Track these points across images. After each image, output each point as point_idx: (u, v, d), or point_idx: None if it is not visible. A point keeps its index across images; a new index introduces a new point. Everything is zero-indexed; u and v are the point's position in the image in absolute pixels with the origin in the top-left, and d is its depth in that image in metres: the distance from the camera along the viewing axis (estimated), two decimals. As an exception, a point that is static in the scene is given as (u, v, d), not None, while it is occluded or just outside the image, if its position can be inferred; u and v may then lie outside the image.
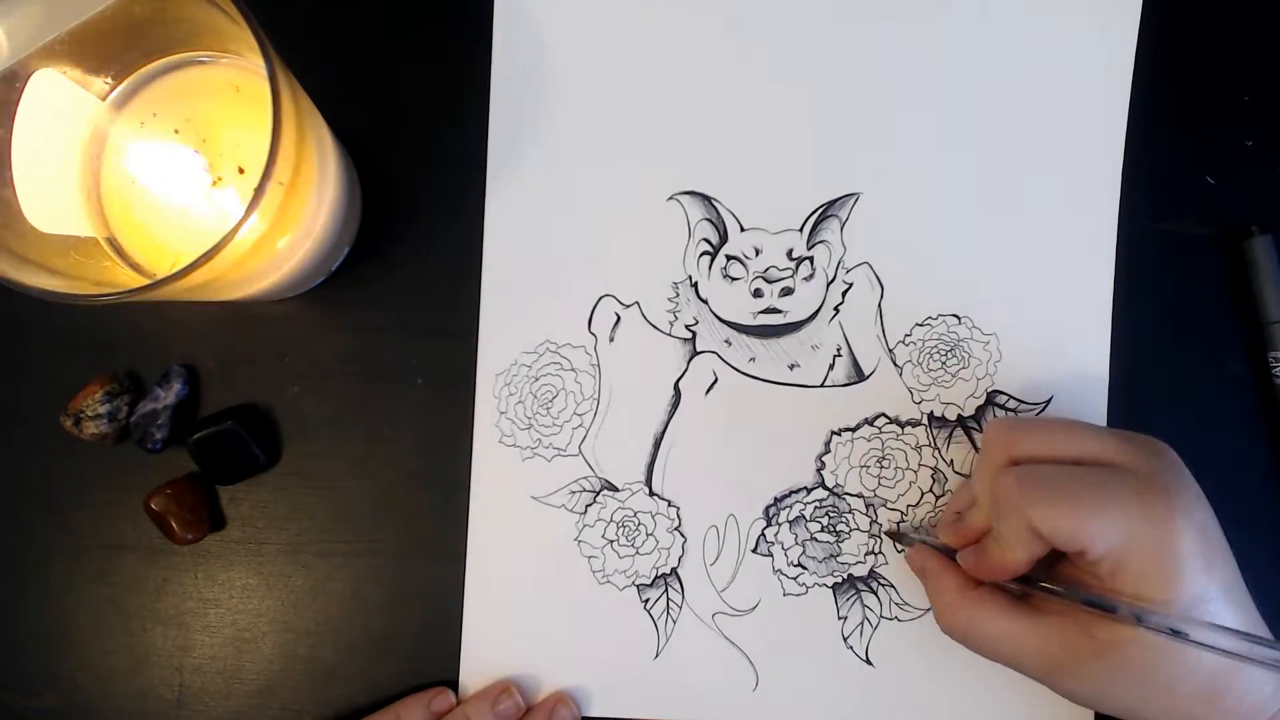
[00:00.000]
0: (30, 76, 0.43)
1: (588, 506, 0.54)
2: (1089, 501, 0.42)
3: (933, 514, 0.53)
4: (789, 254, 0.53)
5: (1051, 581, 0.45)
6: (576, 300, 0.54)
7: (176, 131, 0.46)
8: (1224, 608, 0.41)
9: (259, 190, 0.38)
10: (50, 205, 0.44)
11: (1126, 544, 0.41)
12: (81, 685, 0.54)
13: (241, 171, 0.45)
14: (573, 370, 0.54)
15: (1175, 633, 0.40)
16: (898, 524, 0.53)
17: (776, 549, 0.53)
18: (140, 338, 0.54)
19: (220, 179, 0.45)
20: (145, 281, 0.38)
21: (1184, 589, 0.41)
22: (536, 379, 0.54)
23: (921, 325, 0.53)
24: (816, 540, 0.53)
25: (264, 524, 0.54)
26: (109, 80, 0.46)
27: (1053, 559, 0.45)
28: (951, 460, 0.53)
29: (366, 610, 0.54)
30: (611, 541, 0.54)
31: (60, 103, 0.44)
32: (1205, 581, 0.41)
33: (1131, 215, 0.53)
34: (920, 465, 0.53)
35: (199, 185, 0.45)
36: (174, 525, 0.52)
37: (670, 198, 0.54)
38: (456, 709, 0.53)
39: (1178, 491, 0.42)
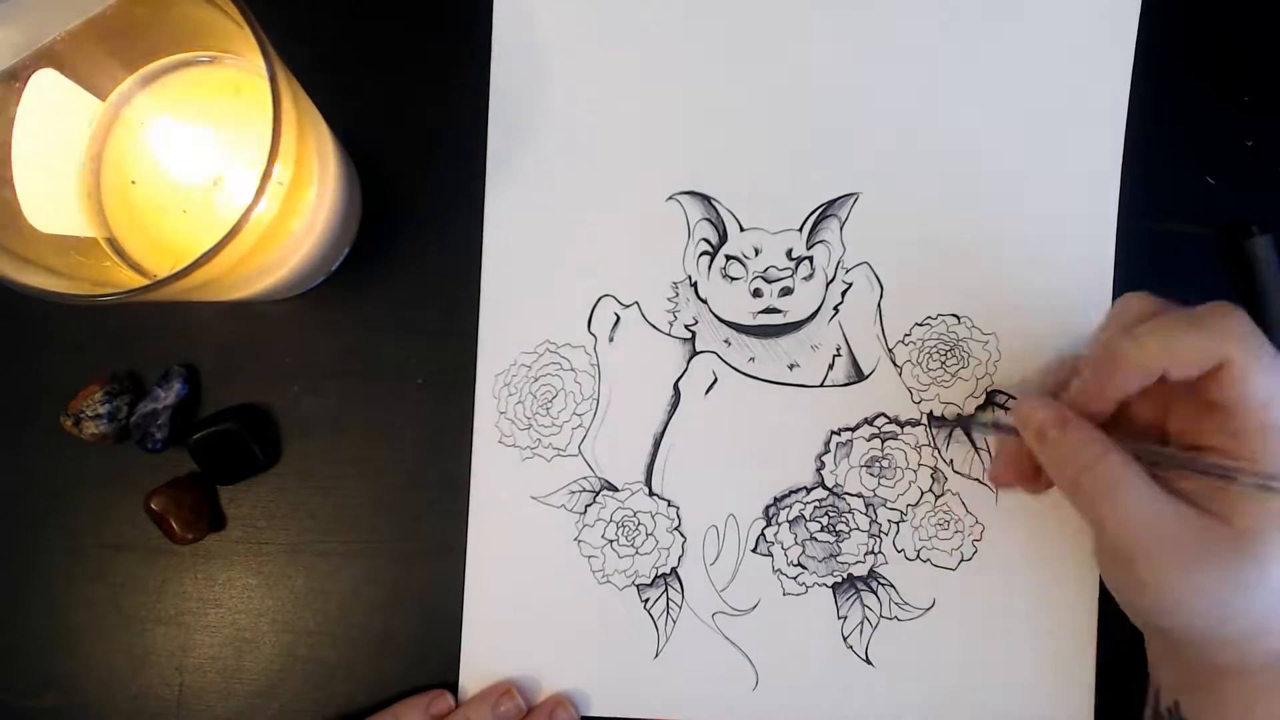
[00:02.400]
0: (30, 76, 0.43)
1: (587, 506, 0.54)
2: (1185, 320, 0.42)
3: (932, 514, 0.53)
4: (788, 254, 0.53)
5: (1183, 457, 0.43)
6: (576, 300, 0.54)
7: (176, 131, 0.46)
8: None
9: (259, 190, 0.38)
10: (50, 205, 0.44)
11: (1229, 353, 0.40)
12: (82, 685, 0.54)
13: (242, 171, 0.45)
14: (572, 370, 0.54)
15: None
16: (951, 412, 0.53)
17: (776, 549, 0.53)
18: (140, 338, 0.54)
19: (220, 179, 0.45)
20: (145, 281, 0.38)
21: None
22: (536, 379, 0.54)
23: (921, 325, 0.53)
24: (816, 540, 0.53)
25: (264, 524, 0.54)
26: (109, 80, 0.46)
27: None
28: (951, 460, 0.53)
29: (366, 610, 0.54)
30: (611, 541, 0.54)
31: (60, 103, 0.44)
32: None
33: (1131, 215, 0.53)
34: (920, 465, 0.53)
35: (200, 172, 0.45)
36: (174, 525, 0.52)
37: (670, 198, 0.54)
38: (457, 711, 0.53)
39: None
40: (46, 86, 0.43)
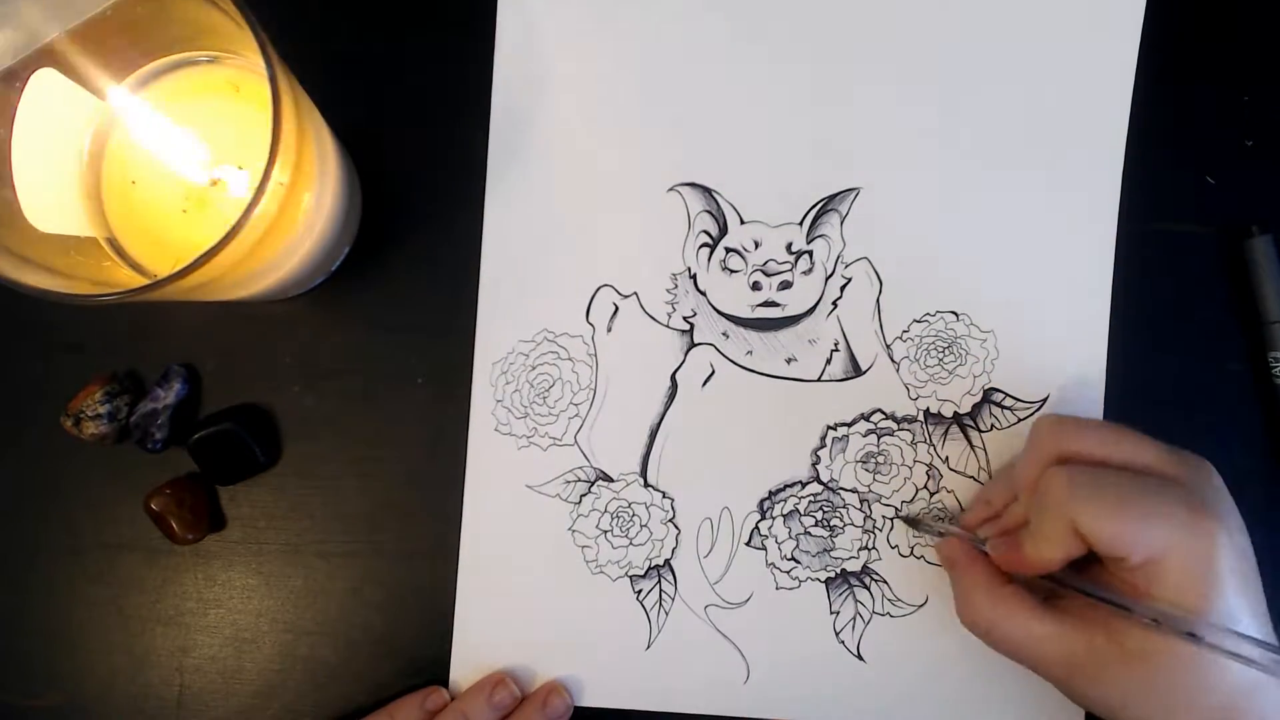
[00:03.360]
0: (30, 76, 0.43)
1: (582, 496, 0.54)
2: (1136, 507, 0.42)
3: (927, 508, 0.54)
4: (788, 247, 0.54)
5: (1079, 582, 0.45)
6: (575, 290, 0.54)
7: (176, 132, 0.46)
8: (1250, 629, 0.41)
9: (259, 190, 0.38)
10: (50, 205, 0.44)
11: (1167, 554, 0.41)
12: (82, 685, 0.54)
13: (242, 171, 0.45)
14: (570, 360, 0.54)
15: (1194, 636, 0.40)
16: (919, 511, 0.53)
17: (770, 542, 0.54)
18: (140, 338, 0.54)
19: (220, 179, 0.45)
20: (145, 281, 0.38)
21: (1217, 604, 0.41)
22: (533, 368, 0.54)
23: (919, 321, 0.54)
24: (810, 534, 0.54)
25: (264, 524, 0.54)
26: (109, 80, 0.46)
27: (1082, 561, 0.44)
28: (947, 457, 0.54)
29: (366, 610, 0.54)
30: (605, 532, 0.54)
31: (60, 103, 0.44)
32: (1238, 602, 0.41)
33: (1131, 215, 0.53)
34: (915, 462, 0.54)
35: (200, 172, 0.45)
36: (174, 525, 0.52)
37: (670, 189, 0.54)
38: (452, 705, 0.53)
39: (1223, 511, 0.43)
40: (46, 86, 0.43)
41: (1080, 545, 0.42)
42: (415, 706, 0.53)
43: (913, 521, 0.53)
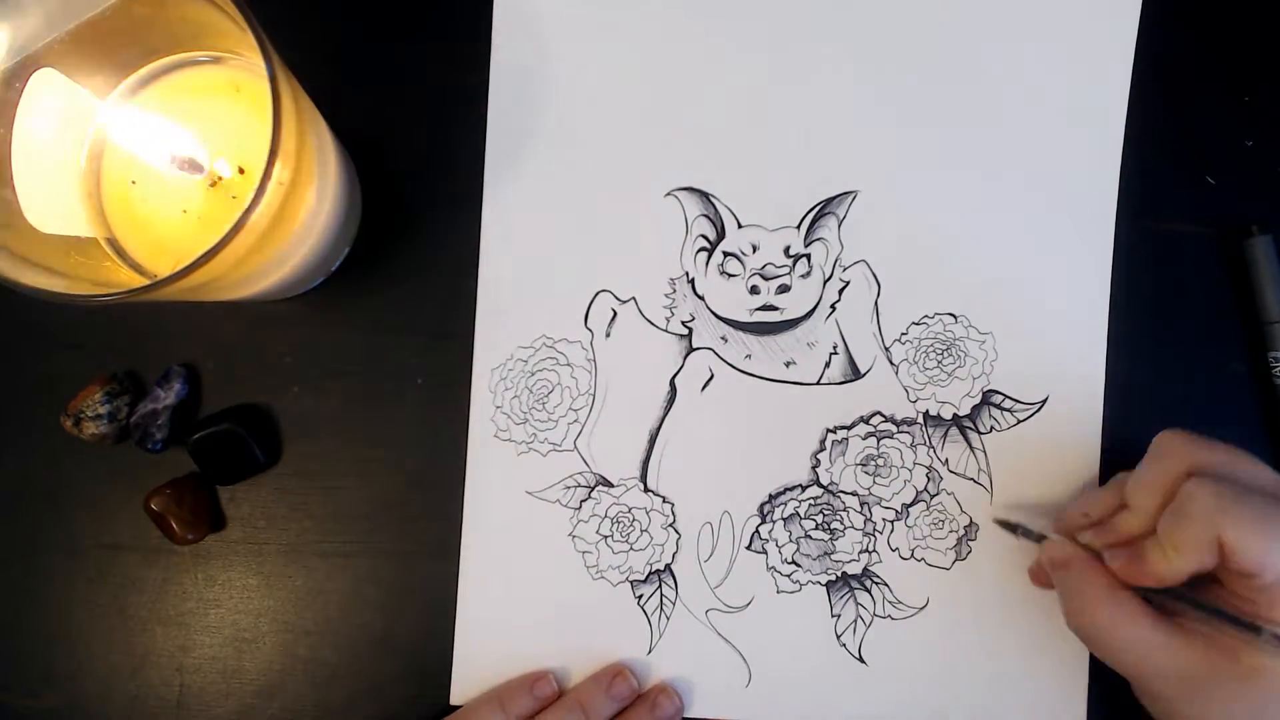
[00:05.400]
0: (30, 76, 0.43)
1: (582, 502, 0.54)
2: (1271, 526, 0.41)
3: (927, 514, 0.54)
4: (786, 251, 0.54)
5: (1206, 600, 0.44)
6: (573, 295, 0.54)
7: (176, 132, 0.46)
8: None
9: (259, 190, 0.38)
10: (50, 205, 0.44)
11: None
12: (81, 685, 0.54)
13: (241, 171, 0.45)
14: (569, 365, 0.54)
15: None
16: (1006, 517, 0.53)
17: (770, 546, 0.54)
18: (140, 338, 0.54)
19: (220, 179, 0.45)
20: (145, 281, 0.38)
21: None
22: (532, 374, 0.54)
23: (918, 324, 0.53)
24: (811, 538, 0.54)
25: (264, 524, 0.54)
26: (109, 80, 0.46)
27: (1196, 580, 0.44)
28: (946, 459, 0.53)
29: (366, 610, 0.54)
30: (606, 537, 0.54)
31: (60, 103, 0.44)
32: None
33: (1131, 215, 0.54)
34: (915, 464, 0.53)
35: (186, 169, 0.45)
36: (174, 525, 0.52)
37: (668, 194, 0.54)
38: (569, 694, 0.53)
39: None
40: (46, 86, 0.44)
41: (1214, 558, 0.42)
42: (525, 693, 0.52)
43: (1009, 525, 0.52)
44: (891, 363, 0.54)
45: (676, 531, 0.54)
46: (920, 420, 0.54)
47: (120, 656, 0.54)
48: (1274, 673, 0.42)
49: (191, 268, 0.38)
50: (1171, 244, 0.54)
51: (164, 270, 0.45)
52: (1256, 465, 0.45)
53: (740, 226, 0.54)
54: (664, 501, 0.54)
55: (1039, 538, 0.50)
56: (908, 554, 0.53)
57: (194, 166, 0.45)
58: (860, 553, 0.54)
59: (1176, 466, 0.45)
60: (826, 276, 0.54)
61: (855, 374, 0.54)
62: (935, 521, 0.53)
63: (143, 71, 0.46)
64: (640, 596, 0.54)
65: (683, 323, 0.54)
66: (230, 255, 0.39)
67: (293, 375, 0.54)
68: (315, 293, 0.54)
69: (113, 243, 0.47)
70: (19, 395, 0.55)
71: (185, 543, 0.53)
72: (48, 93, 0.44)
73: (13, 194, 0.43)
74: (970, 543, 0.53)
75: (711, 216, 0.54)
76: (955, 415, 0.53)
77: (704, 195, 0.54)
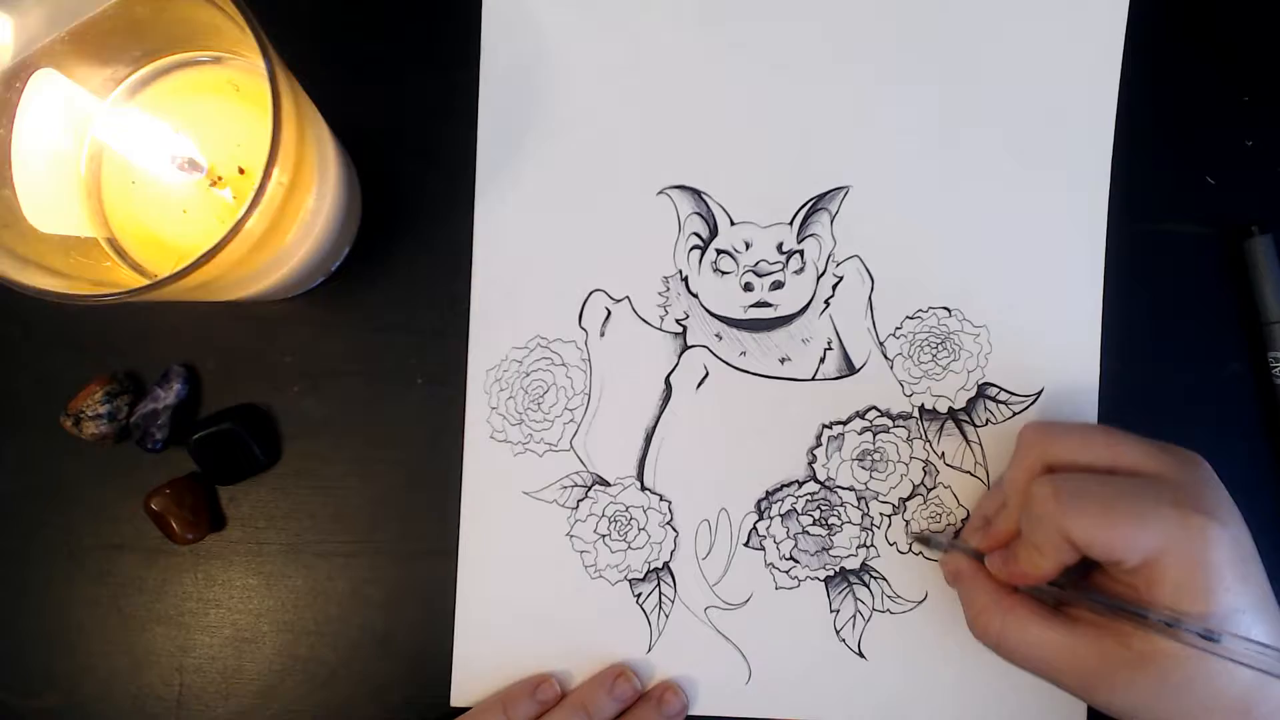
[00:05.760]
0: (30, 76, 0.43)
1: (579, 501, 0.54)
2: (1126, 511, 0.42)
3: (924, 507, 0.54)
4: (779, 247, 0.54)
5: (1084, 590, 0.45)
6: (567, 295, 0.54)
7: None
8: (1256, 621, 0.41)
9: (259, 190, 0.38)
10: (50, 205, 0.44)
11: (1162, 555, 0.41)
12: (81, 685, 0.54)
13: (241, 171, 0.45)
14: (563, 365, 0.54)
15: (1206, 638, 0.40)
16: (926, 529, 0.53)
17: (768, 542, 0.54)
18: (140, 338, 0.54)
19: (220, 179, 0.45)
20: (145, 281, 0.38)
21: (1218, 601, 0.41)
22: (527, 374, 0.54)
23: (912, 318, 0.54)
24: (808, 533, 0.54)
25: (264, 524, 0.54)
26: (109, 80, 0.46)
27: (1087, 567, 0.45)
28: (943, 453, 0.54)
29: (366, 610, 0.54)
30: (603, 536, 0.54)
31: (60, 103, 0.45)
32: (1239, 593, 0.41)
33: (1131, 215, 0.54)
34: (911, 458, 0.54)
35: (186, 170, 0.46)
36: (174, 525, 0.52)
37: (660, 192, 0.54)
38: (572, 696, 0.53)
39: (1214, 504, 0.43)
40: (46, 86, 0.44)
41: (1074, 553, 0.43)
42: (528, 697, 0.52)
43: (923, 539, 0.53)
44: (886, 357, 0.54)
45: (674, 529, 0.54)
46: (916, 414, 0.54)
47: (120, 656, 0.54)
48: (1165, 655, 0.42)
49: (191, 268, 0.38)
50: (1171, 244, 0.54)
51: (164, 270, 0.45)
52: (1123, 442, 0.45)
53: (733, 224, 0.54)
54: (661, 500, 0.54)
55: (949, 547, 0.51)
56: (905, 548, 0.54)
57: (194, 166, 0.45)
58: (858, 547, 0.54)
59: (1033, 461, 0.46)
60: (820, 272, 0.54)
61: (850, 369, 0.54)
62: (933, 515, 0.54)
63: (143, 71, 0.47)
64: (639, 595, 0.54)
65: (677, 321, 0.54)
66: (230, 255, 0.39)
67: (293, 375, 0.54)
68: (315, 293, 0.54)
69: (113, 243, 0.47)
70: (19, 395, 0.55)
71: (185, 543, 0.53)
72: (48, 93, 0.44)
73: (13, 194, 0.43)
74: (967, 537, 0.53)
75: (704, 214, 0.54)
76: (951, 409, 0.54)
77: (696, 193, 0.54)
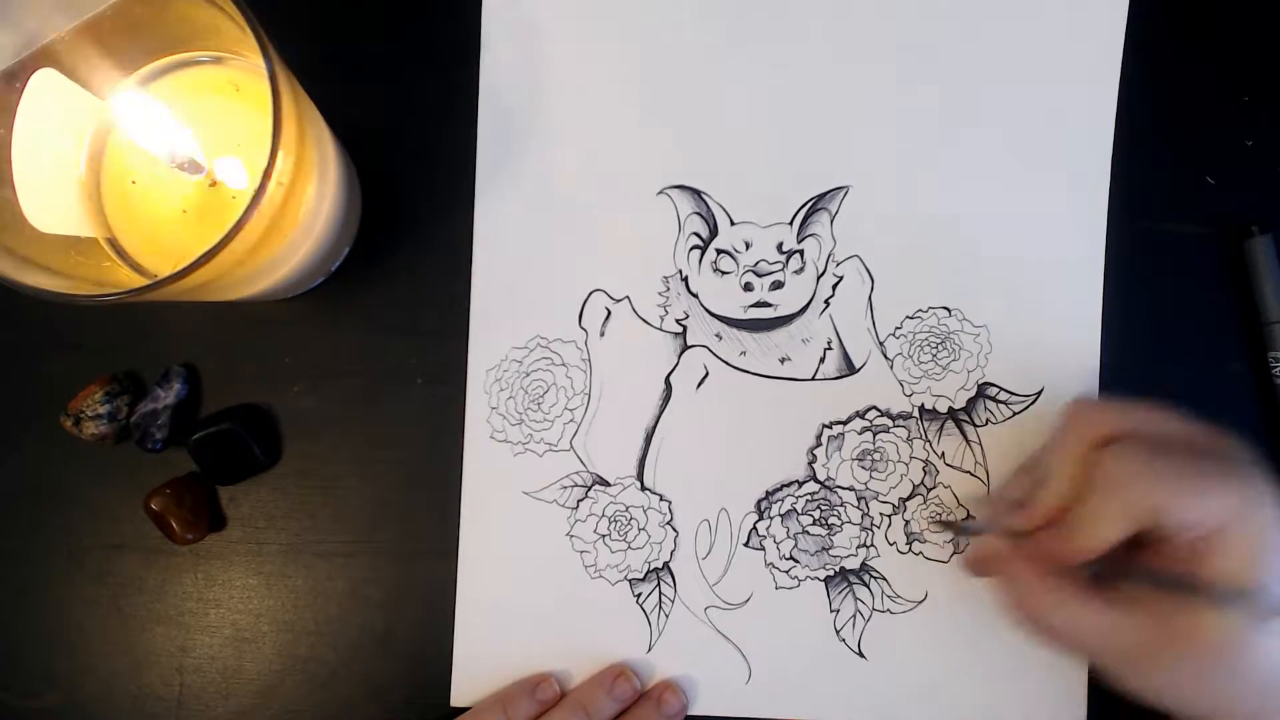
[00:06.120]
0: (30, 76, 0.43)
1: (579, 501, 0.54)
2: (1195, 480, 0.41)
3: (924, 507, 0.54)
4: (779, 247, 0.54)
5: (1141, 570, 0.44)
6: (567, 295, 0.54)
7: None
8: None
9: (259, 190, 0.38)
10: (50, 205, 0.44)
11: (1229, 525, 0.41)
12: (82, 685, 0.54)
13: (242, 171, 0.45)
14: (563, 365, 0.54)
15: (1262, 609, 0.40)
16: (950, 518, 0.53)
17: (768, 542, 0.54)
18: (140, 338, 0.55)
19: (220, 179, 0.46)
20: (145, 281, 0.38)
21: (1271, 572, 0.41)
22: (527, 374, 0.54)
23: (912, 318, 0.54)
24: (808, 533, 0.54)
25: (264, 524, 0.55)
26: (109, 80, 0.46)
27: (1120, 550, 0.44)
28: (943, 452, 0.54)
29: (366, 610, 0.54)
30: (603, 536, 0.54)
31: (60, 103, 0.45)
32: None
33: (1131, 215, 0.54)
34: (911, 458, 0.54)
35: (186, 170, 0.46)
36: (174, 525, 0.52)
37: (660, 192, 0.54)
38: (571, 696, 0.53)
39: (1264, 481, 0.42)
40: (46, 86, 0.44)
41: (1137, 523, 0.42)
42: (527, 697, 0.52)
43: (949, 526, 0.53)
44: (886, 357, 0.54)
45: (674, 529, 0.54)
46: (916, 414, 0.54)
47: (120, 656, 0.54)
48: (1210, 632, 0.42)
49: (191, 268, 0.38)
50: (1171, 244, 0.54)
51: (164, 270, 0.45)
52: (1168, 420, 0.45)
53: (733, 224, 0.54)
54: (661, 500, 0.54)
55: (975, 531, 0.50)
56: (905, 548, 0.54)
57: (194, 166, 0.45)
58: (858, 547, 0.54)
59: (1091, 434, 0.45)
60: (820, 272, 0.54)
61: (850, 369, 0.54)
62: (933, 515, 0.54)
63: (143, 71, 0.47)
64: (639, 595, 0.54)
65: (677, 321, 0.54)
66: (230, 255, 0.39)
67: (293, 375, 0.55)
68: (315, 293, 0.54)
69: (113, 243, 0.47)
70: (19, 395, 0.55)
71: (185, 543, 0.53)
72: (48, 93, 0.44)
73: (13, 194, 0.43)
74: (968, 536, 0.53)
75: (704, 214, 0.54)
76: (950, 408, 0.54)
77: (696, 193, 0.54)
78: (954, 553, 0.54)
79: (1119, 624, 0.44)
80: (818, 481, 0.54)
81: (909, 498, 0.54)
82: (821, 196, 0.54)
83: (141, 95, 0.47)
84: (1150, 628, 0.43)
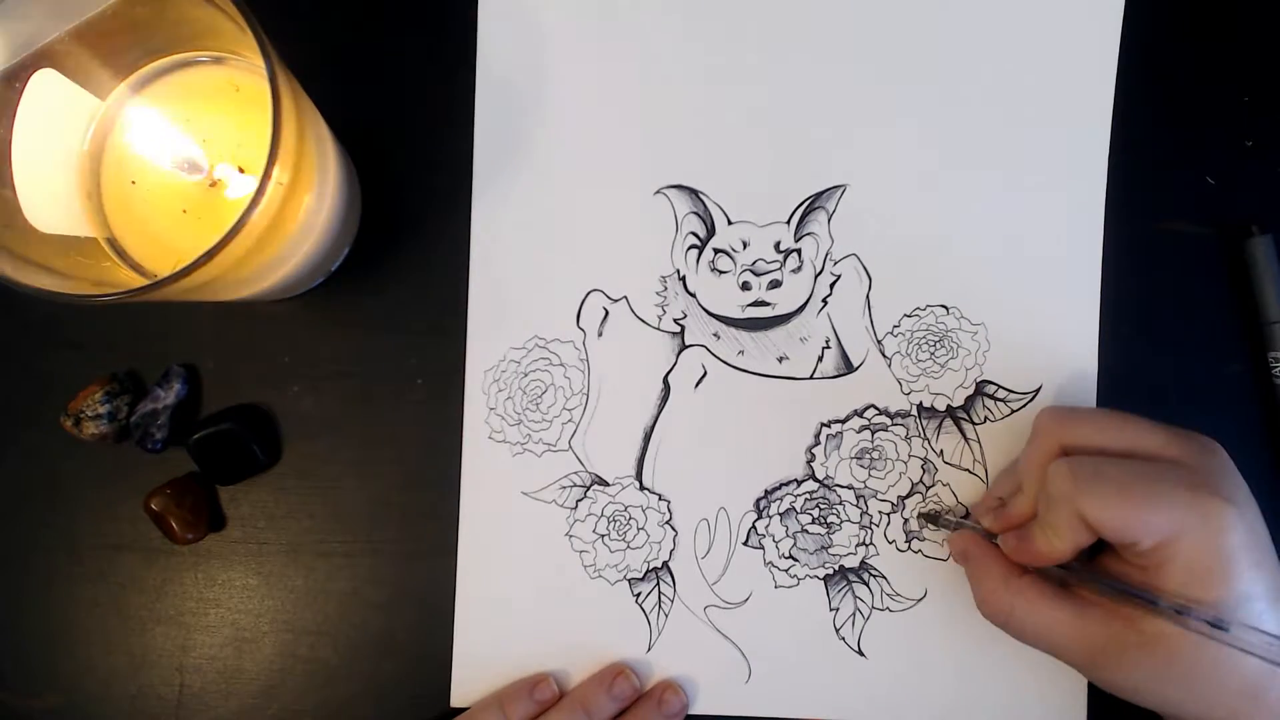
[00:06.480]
0: (30, 76, 0.43)
1: (578, 501, 0.54)
2: (1141, 494, 0.42)
3: (938, 505, 0.54)
4: (776, 246, 0.54)
5: (1095, 571, 0.45)
6: (564, 295, 0.54)
7: (176, 132, 0.46)
8: (1268, 610, 0.41)
9: (259, 190, 0.38)
10: (50, 205, 0.45)
11: (1176, 538, 0.41)
12: (82, 685, 0.54)
13: (242, 171, 0.46)
14: (561, 365, 0.54)
15: (1216, 627, 0.40)
16: (935, 509, 0.53)
17: (768, 541, 0.54)
18: (140, 338, 0.55)
19: (220, 179, 0.46)
20: (145, 281, 0.39)
21: (1231, 587, 0.41)
22: (525, 375, 0.54)
23: (910, 316, 0.54)
24: (807, 532, 0.54)
25: (264, 524, 0.55)
26: (109, 80, 0.46)
27: (1097, 549, 0.45)
28: (941, 451, 0.54)
29: (366, 610, 0.54)
30: (603, 536, 0.54)
31: (60, 103, 0.45)
32: (1252, 580, 0.41)
33: (1131, 215, 0.54)
34: (910, 456, 0.54)
35: (186, 170, 0.46)
36: (174, 525, 0.53)
37: (657, 192, 0.54)
38: (571, 695, 0.53)
39: (1230, 489, 0.43)
40: (46, 86, 0.44)
41: (1090, 534, 0.43)
42: (525, 697, 0.52)
43: (931, 517, 0.53)
44: (884, 355, 0.54)
45: (673, 529, 0.54)
46: (914, 412, 0.54)
47: (120, 656, 0.54)
48: (1172, 638, 0.42)
49: (191, 268, 0.38)
50: (1171, 244, 0.54)
51: (164, 270, 0.45)
52: (1140, 427, 0.45)
53: (730, 223, 0.54)
54: (660, 499, 0.54)
55: (957, 525, 0.51)
56: (904, 546, 0.54)
57: (194, 167, 0.45)
58: (857, 546, 0.54)
59: (1050, 445, 0.46)
60: (817, 271, 0.54)
61: (848, 368, 0.54)
62: (923, 508, 0.54)
63: (143, 71, 0.47)
64: (638, 595, 0.54)
65: (675, 320, 0.54)
66: (230, 255, 0.39)
67: (293, 375, 0.55)
68: (315, 293, 0.54)
69: (113, 243, 0.47)
70: (19, 395, 0.55)
71: (185, 543, 0.53)
72: (48, 93, 0.44)
73: (13, 194, 0.43)
74: (966, 534, 0.54)
75: (701, 214, 0.54)
76: (949, 406, 0.54)
77: (693, 192, 0.54)
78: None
79: (1084, 624, 0.45)
80: (816, 480, 0.54)
81: (908, 496, 0.54)
82: (819, 195, 0.54)
83: (133, 108, 0.47)
84: (1116, 630, 0.44)
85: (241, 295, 0.48)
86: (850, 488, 0.54)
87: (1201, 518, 0.41)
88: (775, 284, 0.54)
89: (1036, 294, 0.54)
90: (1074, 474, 0.43)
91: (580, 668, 0.54)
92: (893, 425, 0.54)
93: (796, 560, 0.54)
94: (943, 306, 0.54)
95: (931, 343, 0.54)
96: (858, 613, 0.54)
